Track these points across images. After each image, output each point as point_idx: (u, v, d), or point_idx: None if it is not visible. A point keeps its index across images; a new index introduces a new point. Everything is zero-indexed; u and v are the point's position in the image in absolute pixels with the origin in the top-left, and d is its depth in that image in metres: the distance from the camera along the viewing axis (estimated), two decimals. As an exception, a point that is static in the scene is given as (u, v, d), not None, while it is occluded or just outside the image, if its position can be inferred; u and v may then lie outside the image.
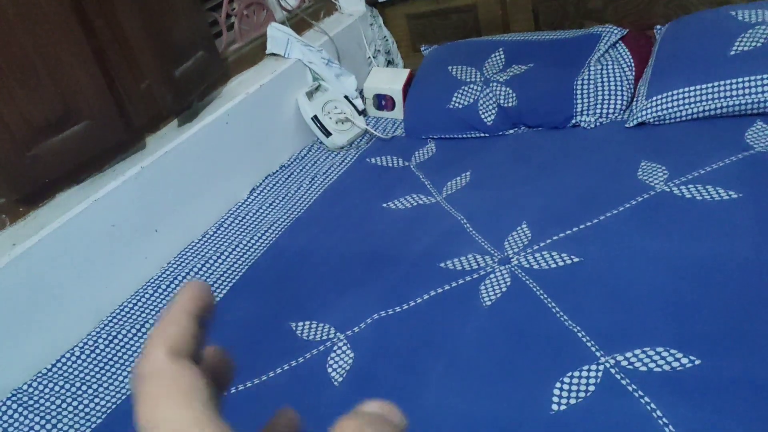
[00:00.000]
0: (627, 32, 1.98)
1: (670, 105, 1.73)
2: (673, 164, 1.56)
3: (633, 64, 1.92)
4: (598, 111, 1.86)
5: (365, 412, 0.24)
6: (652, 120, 1.75)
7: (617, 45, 1.96)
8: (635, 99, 1.85)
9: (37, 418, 1.30)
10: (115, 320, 1.54)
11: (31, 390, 1.36)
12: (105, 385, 1.39)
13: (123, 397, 1.36)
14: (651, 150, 1.65)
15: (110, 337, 1.48)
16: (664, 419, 0.98)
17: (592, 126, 1.86)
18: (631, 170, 1.60)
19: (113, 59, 1.58)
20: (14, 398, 1.35)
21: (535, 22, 2.26)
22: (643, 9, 2.07)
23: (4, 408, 1.33)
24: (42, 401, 1.34)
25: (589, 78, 1.89)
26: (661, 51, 1.86)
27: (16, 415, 1.31)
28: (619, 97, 1.87)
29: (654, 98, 1.76)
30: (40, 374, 1.39)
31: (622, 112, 1.87)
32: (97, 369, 1.42)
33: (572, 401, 1.06)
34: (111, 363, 1.43)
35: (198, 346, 0.25)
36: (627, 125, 1.80)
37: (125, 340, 1.48)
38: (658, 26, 1.99)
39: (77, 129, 1.51)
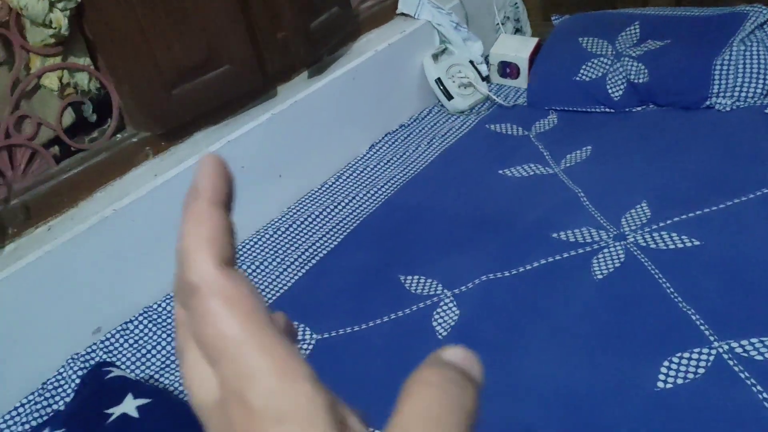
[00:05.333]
0: (778, 13, 1.87)
1: (817, 93, 1.62)
2: (814, 155, 1.48)
3: (780, 47, 1.81)
4: (736, 94, 1.78)
5: (448, 362, 0.21)
6: (795, 107, 1.66)
7: (765, 26, 1.85)
8: (779, 84, 1.75)
9: (164, 335, 1.43)
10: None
11: (160, 309, 1.49)
12: (225, 313, 1.49)
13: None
14: (790, 138, 1.57)
15: (232, 270, 1.59)
16: (776, 410, 0.96)
17: (728, 109, 1.78)
18: (765, 158, 1.53)
19: (256, 9, 1.65)
20: (145, 314, 1.47)
21: (676, -2, 2.17)
22: (799, -11, 1.94)
23: (136, 323, 1.46)
24: (169, 320, 1.46)
25: (731, 58, 1.80)
26: (815, 35, 1.74)
27: (146, 330, 1.44)
28: (761, 81, 1.77)
29: (800, 84, 1.66)
30: (168, 296, 1.52)
31: (762, 97, 1.77)
32: (218, 297, 1.53)
33: (679, 381, 1.05)
34: (231, 294, 1.54)
35: (234, 244, 0.22)
36: (767, 111, 1.71)
37: (245, 274, 1.58)
38: (814, 8, 1.86)
39: (218, 73, 1.60)
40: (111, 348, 1.41)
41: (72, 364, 1.34)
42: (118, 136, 1.52)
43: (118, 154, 1.51)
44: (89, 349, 1.39)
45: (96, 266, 1.41)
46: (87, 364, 1.34)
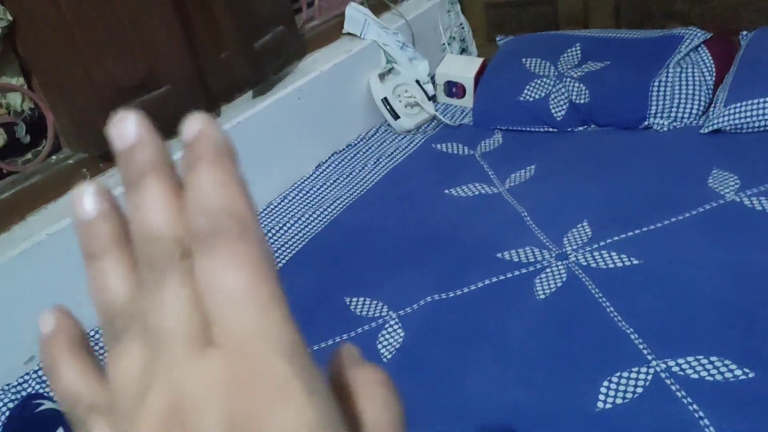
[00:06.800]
0: (711, 36, 1.93)
1: (748, 114, 1.68)
2: (745, 174, 1.53)
3: (714, 69, 1.87)
4: (673, 114, 1.83)
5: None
6: (728, 128, 1.71)
7: (699, 48, 1.91)
8: (713, 105, 1.81)
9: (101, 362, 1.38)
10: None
11: (97, 335, 1.44)
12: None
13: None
14: (724, 158, 1.62)
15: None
16: (711, 428, 0.97)
17: (665, 129, 1.83)
18: (702, 177, 1.57)
19: (197, 28, 1.63)
20: (82, 342, 1.42)
21: (615, 20, 2.23)
22: (731, 14, 2.01)
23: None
24: (107, 347, 1.41)
25: (667, 80, 1.85)
26: (745, 58, 1.81)
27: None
28: (696, 102, 1.82)
29: (732, 106, 1.71)
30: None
31: (698, 117, 1.82)
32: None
33: (618, 401, 1.06)
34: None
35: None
36: (702, 131, 1.76)
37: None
38: (744, 32, 1.93)
39: (158, 93, 1.57)
40: (44, 378, 1.35)
41: (2, 396, 1.29)
42: (54, 157, 1.48)
43: (52, 176, 1.46)
44: (21, 380, 1.33)
45: (29, 292, 1.36)
46: (18, 396, 1.28)
